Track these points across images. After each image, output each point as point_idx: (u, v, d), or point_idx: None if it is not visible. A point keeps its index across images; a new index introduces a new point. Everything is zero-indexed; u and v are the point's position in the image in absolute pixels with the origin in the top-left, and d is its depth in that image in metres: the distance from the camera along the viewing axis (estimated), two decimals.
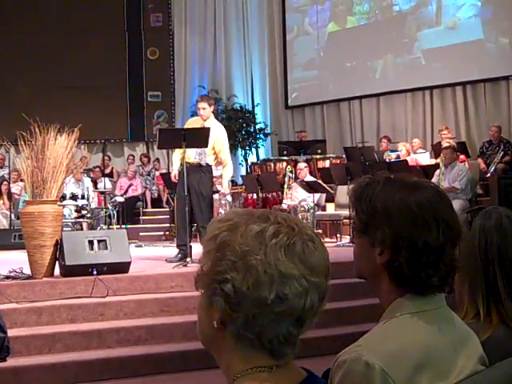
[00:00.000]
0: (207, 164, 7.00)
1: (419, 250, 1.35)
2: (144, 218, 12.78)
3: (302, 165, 10.36)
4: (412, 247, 1.36)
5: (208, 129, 6.67)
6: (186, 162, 6.76)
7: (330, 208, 10.71)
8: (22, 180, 12.54)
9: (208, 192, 7.01)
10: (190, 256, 6.59)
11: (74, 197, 9.72)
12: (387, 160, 9.22)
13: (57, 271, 5.76)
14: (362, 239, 1.44)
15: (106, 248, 5.79)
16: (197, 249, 6.93)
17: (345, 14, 14.38)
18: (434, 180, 8.81)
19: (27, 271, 5.67)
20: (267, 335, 1.06)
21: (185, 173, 6.59)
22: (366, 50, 13.60)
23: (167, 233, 11.59)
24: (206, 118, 7.07)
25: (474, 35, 12.18)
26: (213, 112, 7.27)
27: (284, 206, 9.92)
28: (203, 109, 7.04)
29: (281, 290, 1.04)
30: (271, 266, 1.04)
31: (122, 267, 5.79)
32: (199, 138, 6.60)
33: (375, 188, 1.42)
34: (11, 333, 4.78)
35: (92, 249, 5.74)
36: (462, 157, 10.09)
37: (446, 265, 1.36)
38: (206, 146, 6.68)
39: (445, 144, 9.52)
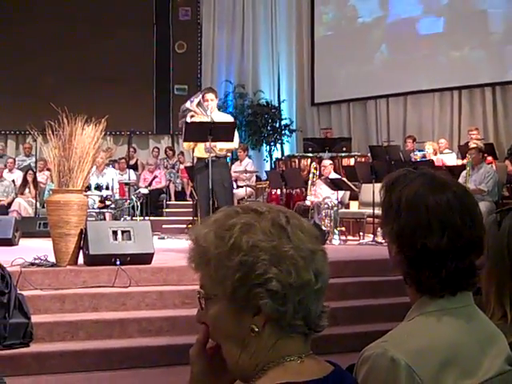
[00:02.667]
0: (224, 156, 7.00)
1: (417, 251, 1.35)
2: (167, 210, 12.83)
3: (326, 162, 10.32)
4: (412, 247, 1.35)
5: (234, 123, 6.68)
6: (205, 158, 6.78)
7: (354, 206, 10.66)
8: (48, 169, 12.67)
9: (230, 184, 7.04)
10: None
11: (98, 187, 9.80)
12: (413, 159, 9.15)
13: (80, 260, 5.82)
14: (384, 230, 1.44)
15: (130, 239, 5.82)
16: None
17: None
18: (460, 181, 8.73)
19: (52, 259, 5.72)
20: (312, 314, 1.09)
21: (210, 166, 6.59)
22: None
23: (190, 226, 11.63)
24: (212, 110, 7.01)
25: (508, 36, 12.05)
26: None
27: (307, 203, 9.89)
28: (211, 100, 6.99)
29: (315, 267, 1.08)
30: (301, 249, 1.07)
31: (145, 258, 5.82)
32: (226, 132, 6.61)
33: (403, 182, 1.41)
34: (34, 319, 4.84)
35: (116, 239, 5.77)
36: (490, 158, 9.99)
37: (448, 270, 1.34)
38: (232, 140, 6.69)
39: (471, 145, 9.42)
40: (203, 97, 7.08)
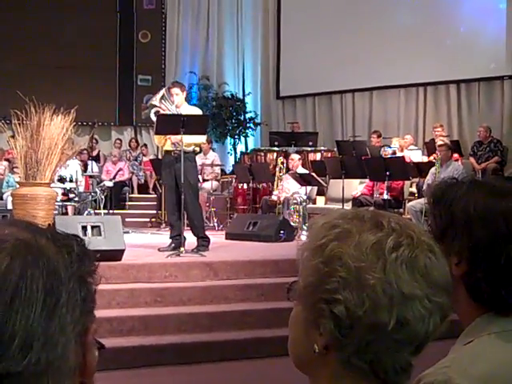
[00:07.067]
0: (192, 151, 6.82)
1: (501, 265, 1.21)
2: (130, 203, 12.59)
3: (295, 156, 10.22)
4: (493, 262, 1.22)
5: (207, 116, 6.52)
6: (172, 151, 6.61)
7: (320, 201, 10.62)
8: (6, 159, 12.27)
9: (196, 181, 6.87)
10: (183, 246, 6.43)
11: (61, 179, 9.49)
12: (383, 155, 9.13)
13: None
14: (447, 246, 1.30)
15: (100, 234, 5.64)
16: (190, 239, 6.78)
17: None
18: (429, 178, 8.75)
19: None
20: (383, 364, 0.91)
21: (176, 161, 6.40)
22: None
23: (153, 219, 11.44)
24: (180, 104, 6.85)
25: (478, 35, 12.13)
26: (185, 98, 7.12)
27: (274, 198, 9.79)
28: (176, 95, 6.82)
29: (402, 313, 0.89)
30: (392, 286, 0.89)
31: (116, 255, 5.64)
32: (198, 125, 6.44)
33: (457, 191, 1.29)
34: None
35: (85, 234, 5.57)
36: (456, 155, 10.04)
37: None
38: (205, 134, 6.53)
39: (439, 142, 9.46)
40: (169, 91, 6.90)
